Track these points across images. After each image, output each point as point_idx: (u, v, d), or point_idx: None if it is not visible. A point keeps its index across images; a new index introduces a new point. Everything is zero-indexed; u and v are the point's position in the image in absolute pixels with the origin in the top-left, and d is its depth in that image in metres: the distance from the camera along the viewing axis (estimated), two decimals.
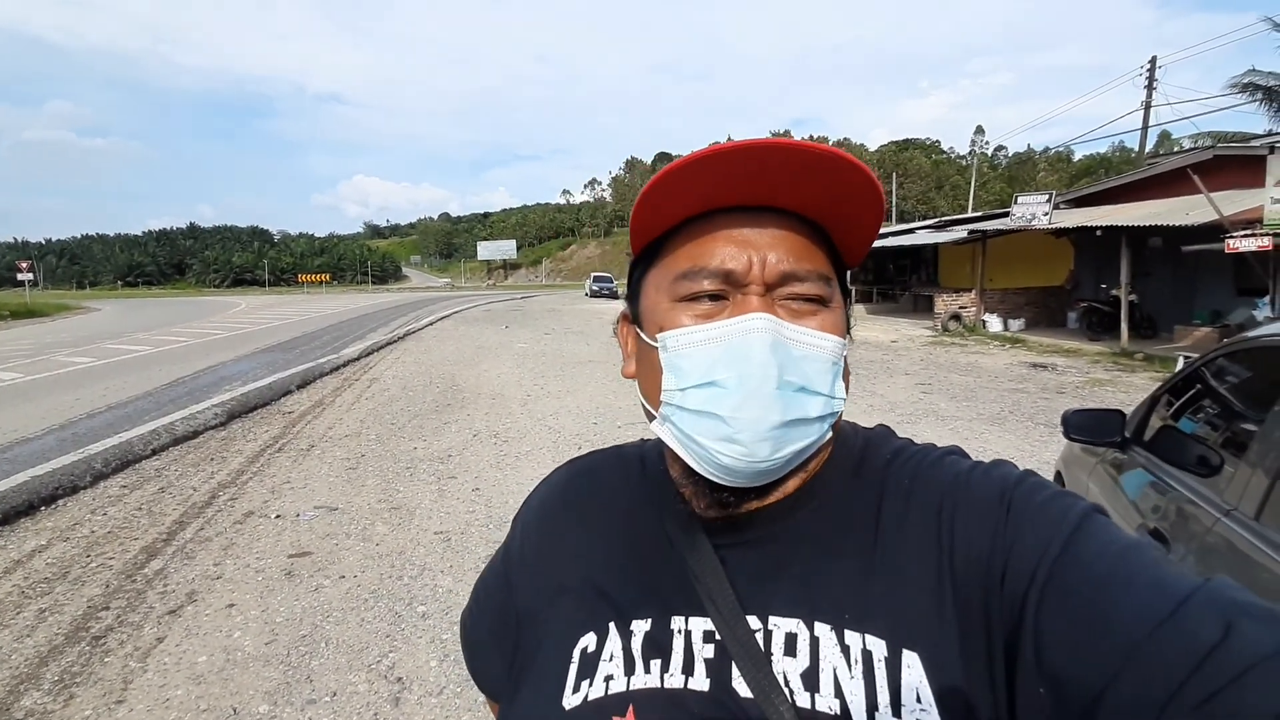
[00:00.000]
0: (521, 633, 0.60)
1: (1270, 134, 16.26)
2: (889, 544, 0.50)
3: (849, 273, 0.59)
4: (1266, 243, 9.37)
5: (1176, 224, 11.08)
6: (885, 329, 16.96)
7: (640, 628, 0.53)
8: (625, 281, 0.61)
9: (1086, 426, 2.40)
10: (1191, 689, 0.35)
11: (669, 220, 0.53)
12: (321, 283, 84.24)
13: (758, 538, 0.54)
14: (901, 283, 24.52)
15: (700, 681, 0.49)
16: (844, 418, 0.60)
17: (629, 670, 0.51)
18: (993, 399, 8.18)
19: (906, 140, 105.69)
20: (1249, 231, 9.65)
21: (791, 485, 0.55)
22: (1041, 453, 5.67)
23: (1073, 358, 11.75)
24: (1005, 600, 0.44)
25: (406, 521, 4.47)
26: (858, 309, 21.50)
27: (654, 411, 0.54)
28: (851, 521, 0.53)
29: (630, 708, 0.50)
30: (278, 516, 4.57)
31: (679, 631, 0.52)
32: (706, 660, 0.50)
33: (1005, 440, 6.19)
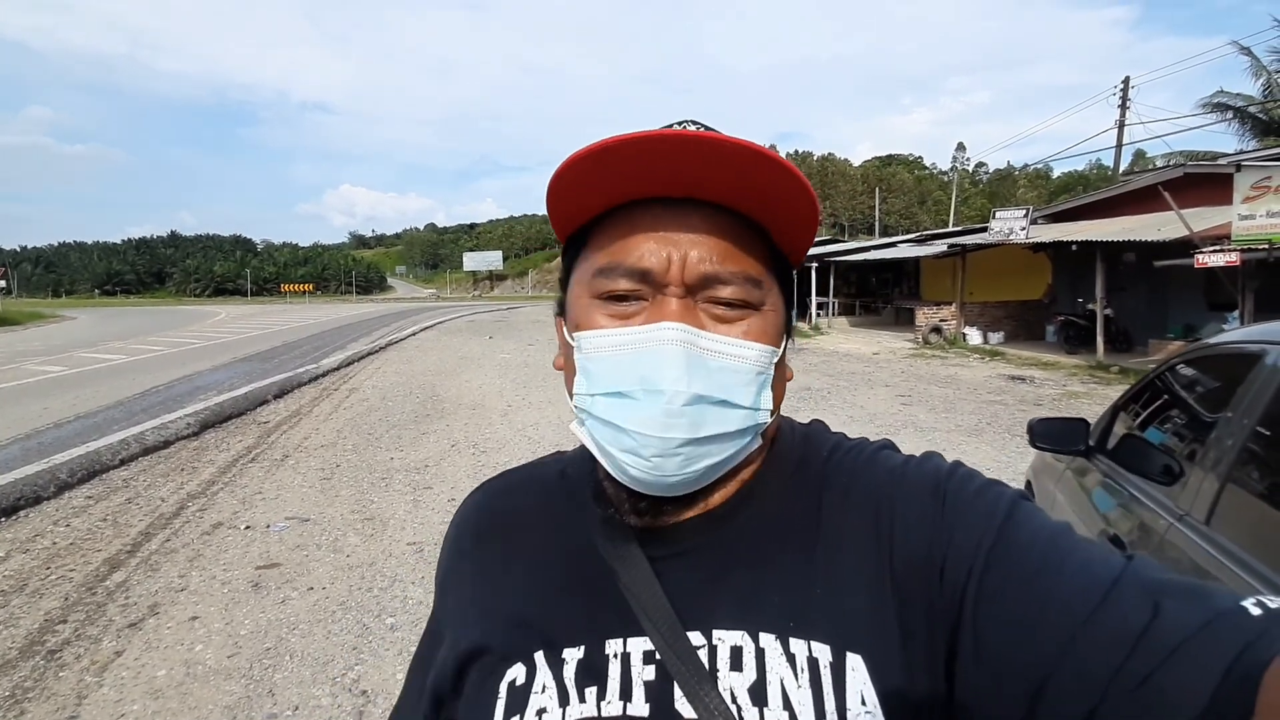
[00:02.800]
0: (448, 679, 0.55)
1: (1239, 152, 16.69)
2: (829, 547, 0.49)
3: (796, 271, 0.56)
4: (1234, 258, 9.58)
5: (1149, 239, 11.32)
6: (867, 341, 17.10)
7: (572, 656, 0.50)
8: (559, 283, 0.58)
9: (1051, 435, 2.43)
10: (1128, 672, 0.36)
11: (589, 208, 0.50)
12: (305, 293, 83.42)
13: (694, 547, 0.51)
14: (884, 295, 24.80)
15: (639, 707, 0.47)
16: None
17: (563, 701, 0.48)
18: (971, 411, 8.26)
19: (890, 155, 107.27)
20: (1218, 247, 9.88)
21: (718, 496, 0.53)
22: (1018, 464, 5.72)
23: (1050, 370, 11.91)
24: (944, 595, 0.44)
25: (379, 532, 4.41)
26: (839, 321, 21.70)
27: (575, 411, 0.52)
28: (791, 526, 0.51)
29: None
30: (247, 527, 4.49)
31: (615, 656, 0.49)
32: (646, 683, 0.47)
33: (982, 452, 6.24)
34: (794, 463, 0.55)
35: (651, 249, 0.47)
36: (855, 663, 0.45)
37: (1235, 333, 1.92)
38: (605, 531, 0.53)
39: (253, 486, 5.38)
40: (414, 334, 20.26)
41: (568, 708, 0.48)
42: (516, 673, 0.51)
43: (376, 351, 15.28)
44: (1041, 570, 0.42)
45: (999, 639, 0.41)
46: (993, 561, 0.43)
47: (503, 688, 0.51)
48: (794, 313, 0.56)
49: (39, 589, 3.65)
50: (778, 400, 0.52)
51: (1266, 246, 9.46)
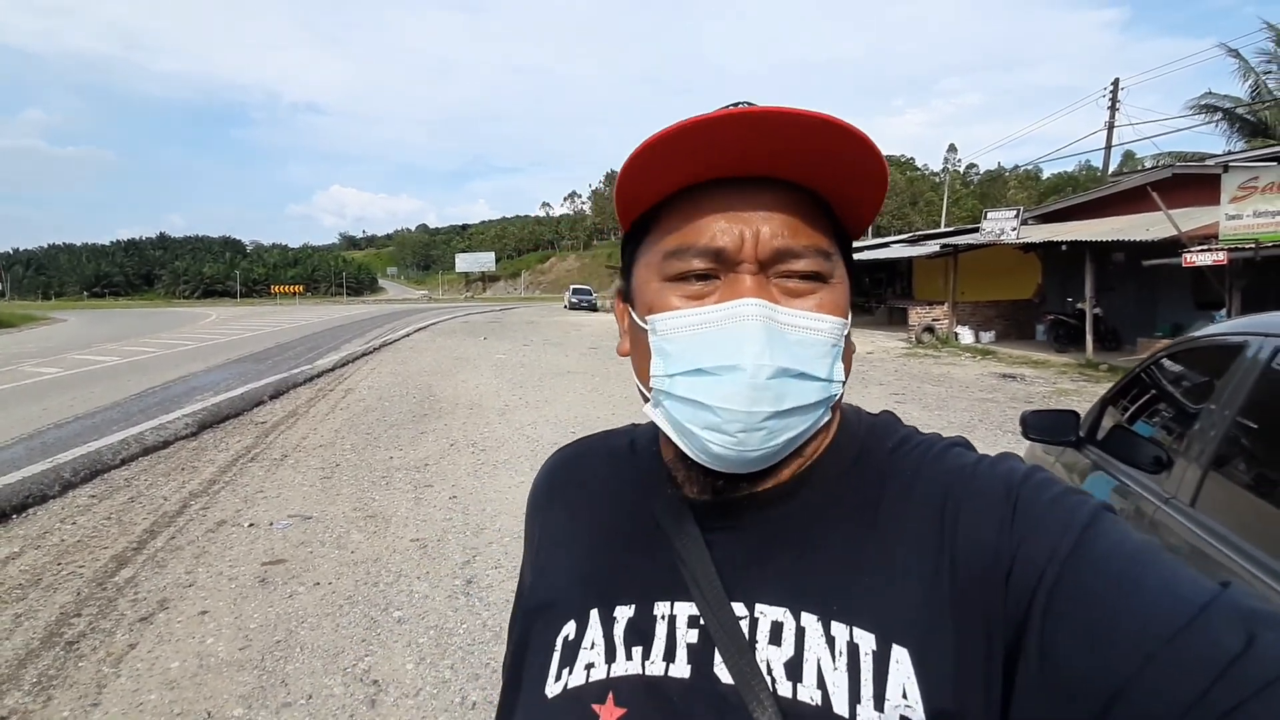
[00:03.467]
0: (520, 628, 0.60)
1: (1227, 153, 16.94)
2: (885, 536, 0.49)
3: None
4: (1222, 257, 9.75)
5: (1137, 239, 11.49)
6: (861, 340, 17.24)
7: (623, 614, 0.52)
8: (619, 271, 0.59)
9: (1043, 427, 2.51)
10: (1214, 699, 0.34)
11: (657, 193, 0.51)
12: (295, 294, 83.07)
13: (748, 523, 0.52)
14: (877, 295, 24.96)
15: (681, 668, 0.48)
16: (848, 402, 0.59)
17: (610, 658, 0.51)
18: (963, 408, 8.37)
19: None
20: (1205, 247, 10.04)
21: (787, 472, 0.53)
22: None
23: (1040, 369, 12.06)
24: (1010, 600, 0.43)
25: (382, 530, 4.46)
26: None
27: (646, 393, 0.53)
28: (847, 511, 0.51)
29: (610, 695, 0.49)
30: (251, 525, 4.53)
31: (662, 617, 0.51)
32: (689, 645, 0.49)
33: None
34: (856, 449, 0.55)
35: (723, 228, 0.48)
36: (900, 655, 0.44)
37: (1218, 325, 2.01)
38: (664, 500, 0.55)
39: (254, 485, 5.41)
40: (407, 335, 20.24)
41: (613, 664, 0.50)
42: (569, 628, 0.53)
43: (371, 352, 15.28)
44: (1121, 585, 0.40)
45: (1068, 652, 0.39)
46: (1067, 572, 0.41)
47: (558, 641, 0.53)
48: (854, 286, 0.56)
49: (52, 583, 3.68)
50: (847, 373, 0.52)
51: (1253, 246, 9.63)
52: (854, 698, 0.44)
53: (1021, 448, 3.73)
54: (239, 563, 3.93)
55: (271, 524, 4.54)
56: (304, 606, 3.39)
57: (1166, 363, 2.27)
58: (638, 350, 0.53)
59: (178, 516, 4.71)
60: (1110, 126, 23.67)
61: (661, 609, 0.51)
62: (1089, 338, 12.67)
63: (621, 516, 0.58)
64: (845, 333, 0.51)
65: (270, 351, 16.18)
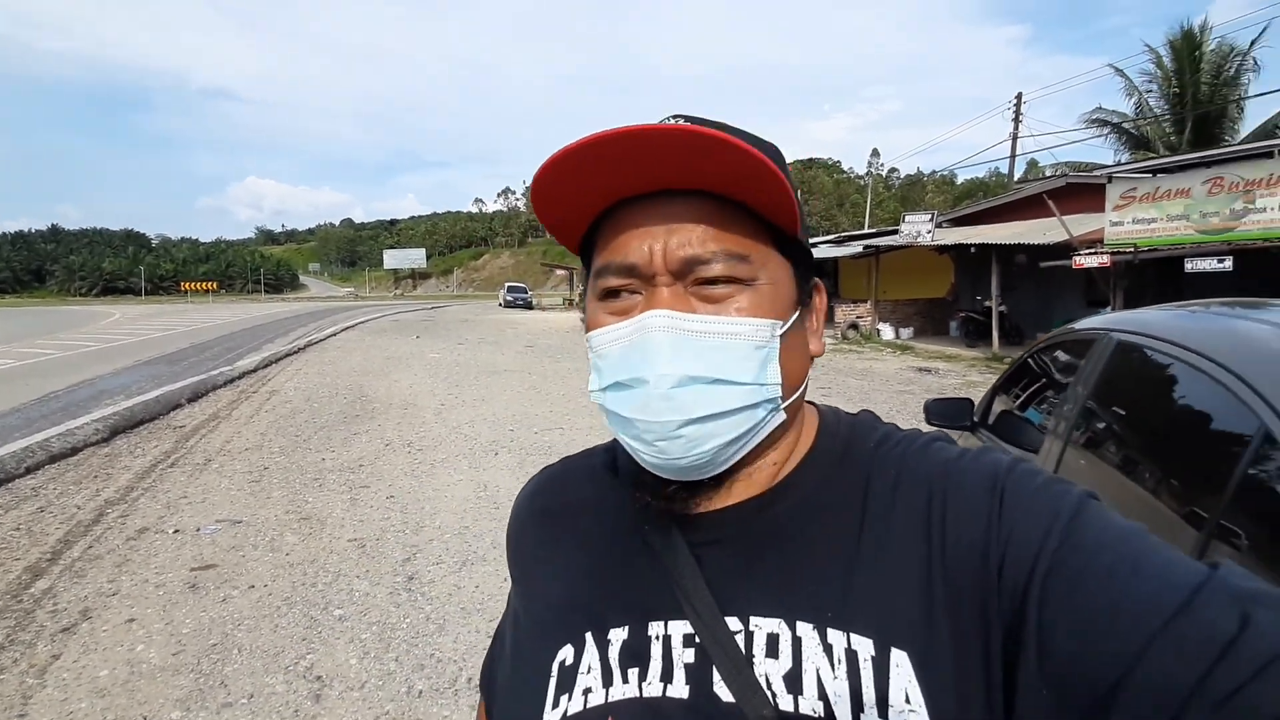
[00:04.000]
0: (510, 651, 0.60)
1: (1115, 164, 18.53)
2: (875, 538, 0.49)
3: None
4: (1106, 260, 10.72)
5: (1036, 243, 12.46)
6: None
7: (618, 636, 0.51)
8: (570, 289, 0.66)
9: (943, 413, 2.81)
10: (1213, 683, 0.34)
11: (582, 216, 0.52)
12: (208, 291, 78.26)
13: (734, 534, 0.52)
14: None
15: (679, 688, 0.48)
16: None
17: (607, 681, 0.50)
18: (884, 400, 8.90)
19: (811, 159, 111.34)
20: (1093, 250, 11.01)
21: (761, 482, 0.53)
22: None
23: (953, 362, 12.90)
24: (1003, 594, 0.43)
25: (318, 531, 4.41)
26: None
27: None
28: (834, 515, 0.51)
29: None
30: (176, 531, 4.39)
31: (657, 637, 0.50)
32: (686, 665, 0.48)
33: None
34: (838, 451, 0.55)
35: (634, 245, 0.49)
36: (900, 659, 0.44)
37: (1081, 321, 2.32)
38: (649, 517, 0.54)
39: (176, 491, 5.21)
40: (335, 334, 19.56)
41: (611, 688, 0.49)
42: (566, 653, 0.53)
43: (296, 352, 14.71)
44: (1114, 572, 0.40)
45: (1066, 644, 0.39)
46: (1058, 562, 0.41)
47: (554, 667, 0.53)
48: (808, 286, 0.56)
49: None
50: (794, 375, 0.51)
51: (1133, 250, 10.63)
52: (856, 706, 0.43)
53: None
54: (166, 569, 3.82)
55: (199, 529, 4.41)
56: (239, 610, 3.35)
57: (1042, 355, 2.60)
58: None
59: (94, 525, 4.51)
60: (1014, 137, 25.38)
61: (656, 629, 0.51)
62: (995, 333, 13.63)
63: (609, 536, 0.57)
64: (779, 332, 0.50)
65: (185, 352, 15.31)
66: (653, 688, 0.48)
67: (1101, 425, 1.90)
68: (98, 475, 5.62)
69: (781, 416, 0.51)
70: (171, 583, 3.65)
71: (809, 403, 0.59)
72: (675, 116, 0.49)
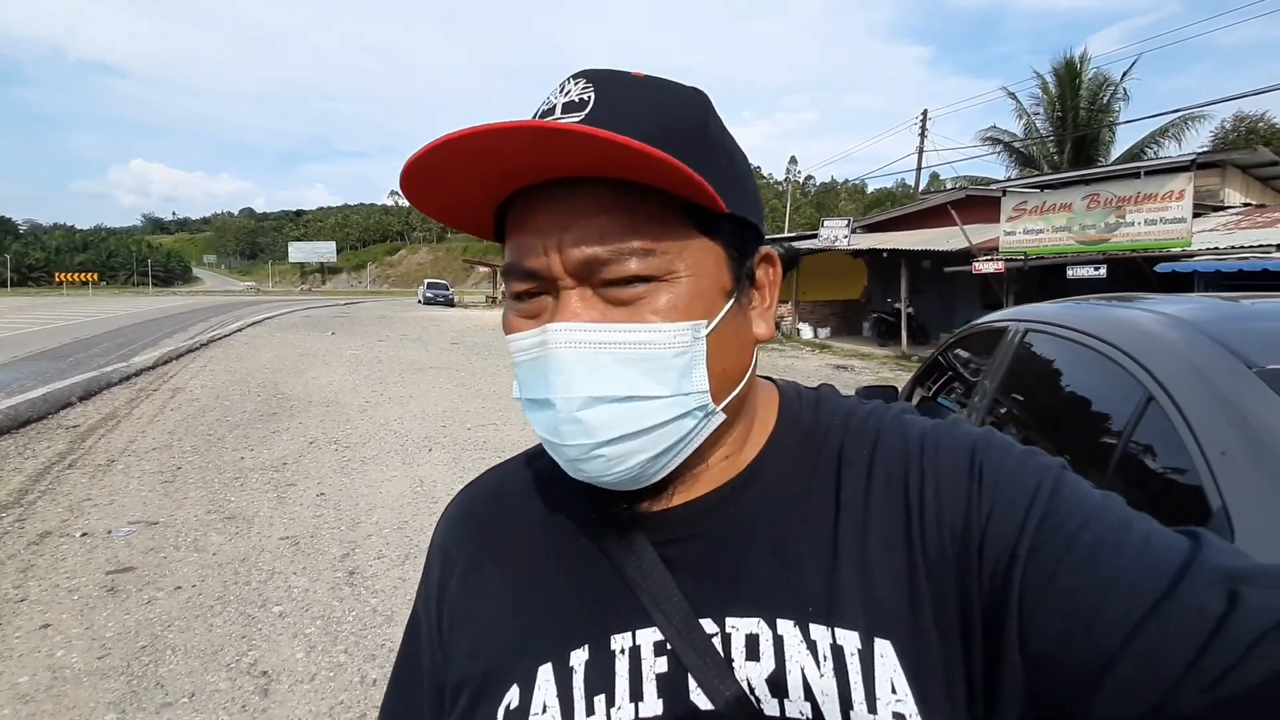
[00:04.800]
0: (455, 715, 0.50)
1: (1008, 179, 20.18)
2: (851, 524, 0.46)
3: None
4: (1000, 266, 11.70)
5: (940, 249, 13.42)
6: None
7: (579, 659, 0.46)
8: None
9: (874, 399, 3.08)
10: (1202, 667, 0.33)
11: (477, 207, 0.47)
12: (86, 283, 71.44)
13: (703, 530, 0.48)
14: None
15: (652, 705, 0.43)
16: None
17: (567, 717, 0.45)
18: None
19: None
20: (990, 257, 11.99)
21: (721, 475, 0.49)
22: None
23: (867, 360, 13.70)
24: (984, 574, 0.41)
25: (245, 530, 4.24)
26: None
27: None
28: (809, 501, 0.48)
29: None
30: (84, 534, 4.10)
31: (622, 651, 0.46)
32: (658, 676, 0.44)
33: None
34: (802, 432, 0.51)
35: (531, 246, 0.44)
36: (884, 649, 0.42)
37: (991, 314, 2.61)
38: (605, 522, 0.50)
39: (78, 493, 4.84)
40: (240, 329, 18.43)
41: None
42: (511, 696, 0.47)
43: (198, 348, 13.78)
44: (1096, 551, 0.38)
45: (1052, 627, 0.38)
46: (1040, 541, 0.40)
47: (499, 714, 0.47)
48: (748, 260, 0.49)
49: None
50: (730, 371, 0.46)
51: (1023, 258, 11.66)
52: (845, 704, 0.41)
53: None
54: (77, 574, 3.58)
55: (110, 532, 4.14)
56: (167, 611, 3.20)
57: (956, 346, 2.89)
58: None
59: None
60: (920, 151, 27.11)
61: (620, 642, 0.46)
62: (904, 333, 14.58)
63: (558, 550, 0.52)
64: (704, 334, 0.44)
65: (69, 348, 14.01)
66: (622, 712, 0.44)
67: (1010, 406, 2.17)
68: None
69: (720, 418, 0.46)
70: (86, 587, 3.43)
71: (767, 379, 0.56)
72: (577, 76, 0.45)
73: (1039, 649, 0.38)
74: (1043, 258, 11.53)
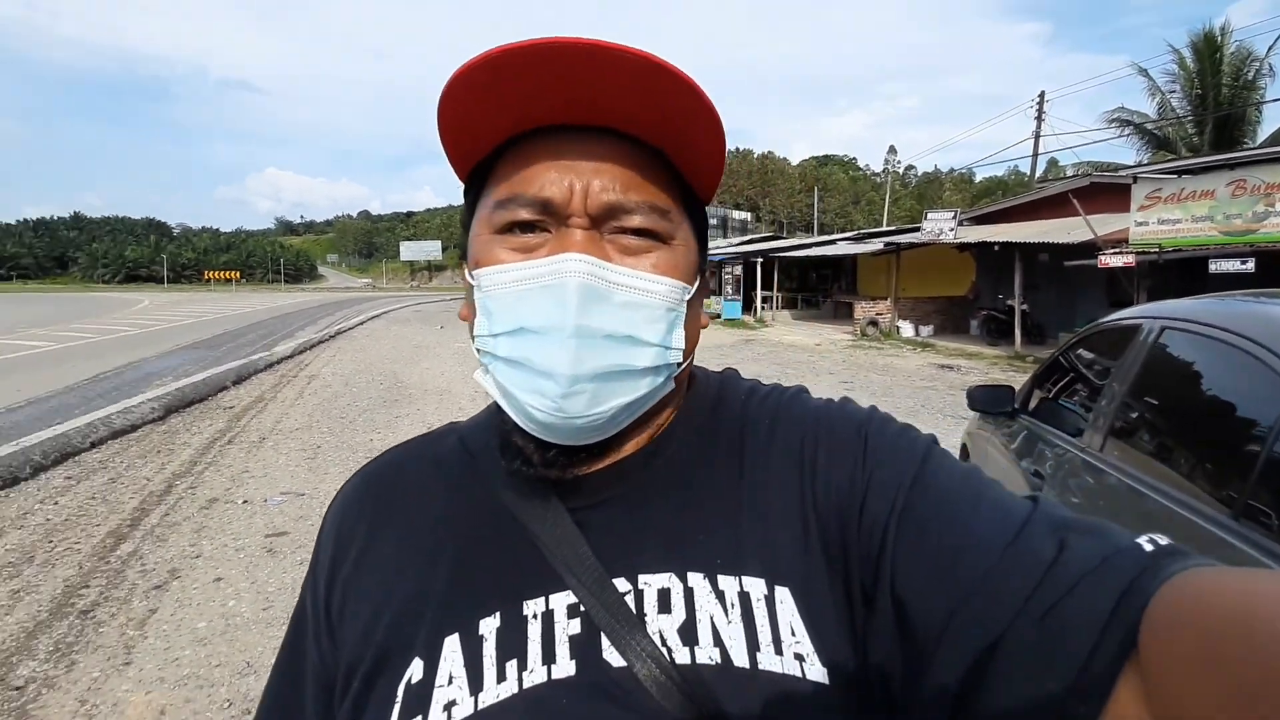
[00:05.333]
0: (346, 700, 0.49)
1: (1138, 164, 18.47)
2: (755, 483, 0.50)
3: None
4: (1131, 260, 10.77)
5: (1060, 242, 12.51)
6: (809, 333, 18.00)
7: (490, 626, 0.46)
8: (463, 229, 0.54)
9: (985, 399, 2.99)
10: (1036, 602, 0.38)
11: (487, 137, 0.48)
12: (231, 280, 79.39)
13: (616, 496, 0.50)
14: (824, 290, 25.97)
15: (565, 667, 0.44)
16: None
17: (476, 687, 0.44)
18: (907, 395, 9.04)
19: (826, 156, 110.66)
20: (1117, 250, 11.06)
21: (636, 442, 0.52)
22: (949, 438, 6.40)
23: (974, 360, 12.99)
24: (864, 531, 0.45)
25: None
26: (783, 314, 22.62)
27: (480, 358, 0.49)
28: (714, 464, 0.52)
29: None
30: (245, 502, 4.66)
31: (534, 616, 0.47)
32: (572, 638, 0.45)
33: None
34: (710, 405, 0.56)
35: (553, 178, 0.45)
36: (784, 595, 0.46)
37: (1122, 311, 2.49)
38: (517, 489, 0.51)
39: (238, 466, 5.49)
40: (361, 323, 19.94)
41: (482, 694, 0.44)
42: (414, 669, 0.46)
43: (327, 340, 15.07)
44: (957, 508, 0.44)
45: (919, 572, 0.42)
46: (912, 500, 0.45)
47: (399, 689, 0.46)
48: (706, 256, 0.54)
49: (48, 560, 3.76)
50: (692, 342, 0.51)
51: (1157, 250, 10.68)
52: (753, 646, 0.44)
53: (960, 429, 4.25)
54: (242, 535, 4.09)
55: (265, 500, 4.68)
56: None
57: (1081, 346, 2.77)
58: (471, 310, 0.50)
59: (166, 495, 4.79)
60: (1036, 135, 25.26)
61: (533, 607, 0.47)
62: (1017, 332, 13.70)
63: (466, 520, 0.52)
64: (687, 298, 0.49)
65: (221, 338, 15.73)
66: (534, 675, 0.44)
67: (1143, 410, 2.08)
68: (160, 450, 5.92)
69: (672, 385, 0.50)
70: (250, 547, 3.92)
71: None
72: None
73: (906, 592, 0.42)
74: (1180, 250, 10.50)
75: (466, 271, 0.50)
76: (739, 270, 21.94)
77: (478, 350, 0.49)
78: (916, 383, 10.20)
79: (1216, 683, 0.28)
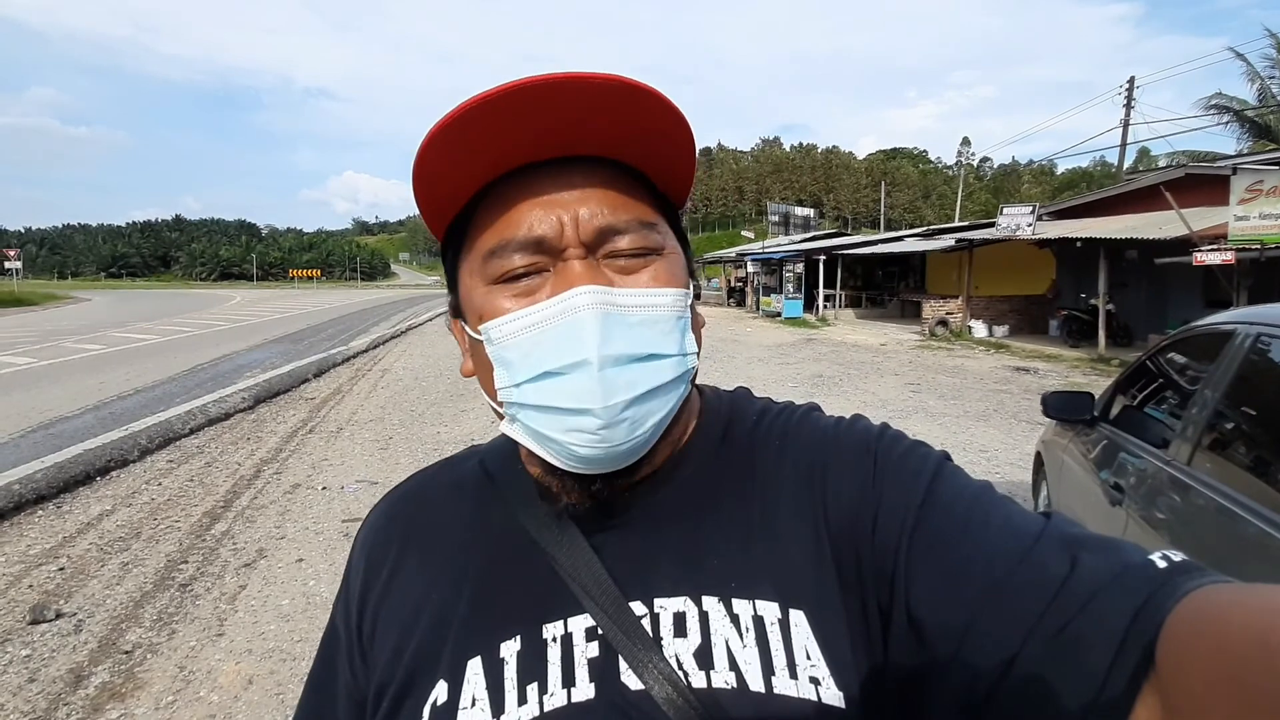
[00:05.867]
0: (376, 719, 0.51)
1: (1238, 154, 17.08)
2: (766, 505, 0.50)
3: (681, 214, 0.55)
4: (1230, 257, 9.98)
5: (1150, 238, 11.71)
6: (874, 333, 17.51)
7: (511, 650, 0.48)
8: (447, 286, 0.55)
9: (1062, 406, 2.86)
10: (1048, 620, 0.37)
11: (462, 192, 0.48)
12: (312, 278, 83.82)
13: (631, 519, 0.51)
14: (889, 289, 25.16)
15: (584, 690, 0.45)
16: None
17: (498, 709, 0.46)
18: (978, 398, 8.68)
19: (895, 149, 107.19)
20: (1215, 247, 10.27)
21: (660, 458, 0.52)
22: (1024, 445, 6.15)
23: (1053, 363, 12.33)
24: (876, 550, 0.45)
25: None
26: (846, 313, 22.08)
27: (498, 410, 0.50)
28: (726, 487, 0.52)
29: None
30: (324, 488, 4.95)
31: (554, 640, 0.47)
32: (590, 661, 0.46)
33: (990, 435, 6.67)
34: (722, 426, 0.56)
35: (539, 216, 0.46)
36: (798, 618, 0.46)
37: (1215, 315, 2.34)
38: (536, 514, 0.52)
39: (317, 454, 5.82)
40: (431, 319, 20.68)
41: (503, 717, 0.46)
42: (439, 691, 0.48)
43: (399, 335, 15.73)
44: (968, 526, 0.44)
45: (930, 590, 0.42)
46: (923, 518, 0.45)
47: (425, 711, 0.48)
48: (691, 256, 0.55)
49: (153, 536, 4.10)
50: (697, 343, 0.52)
51: (1259, 247, 9.86)
52: (768, 670, 0.44)
53: (1035, 435, 4.07)
54: (321, 519, 4.34)
55: (343, 487, 4.95)
56: None
57: (1170, 349, 2.61)
58: (480, 365, 0.50)
59: (254, 480, 5.14)
60: (1125, 124, 23.70)
61: (552, 630, 0.48)
62: (1101, 333, 12.91)
63: (487, 545, 0.54)
64: (689, 303, 0.50)
65: (304, 333, 16.69)
66: (554, 699, 0.45)
67: (1236, 422, 1.95)
68: (250, 438, 6.35)
69: (689, 388, 0.51)
70: (328, 530, 4.16)
71: None
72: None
73: (920, 611, 0.42)
74: None
75: (465, 328, 0.51)
76: (800, 268, 21.54)
77: (500, 404, 0.48)
78: (989, 385, 9.78)
79: (1238, 703, 0.28)
